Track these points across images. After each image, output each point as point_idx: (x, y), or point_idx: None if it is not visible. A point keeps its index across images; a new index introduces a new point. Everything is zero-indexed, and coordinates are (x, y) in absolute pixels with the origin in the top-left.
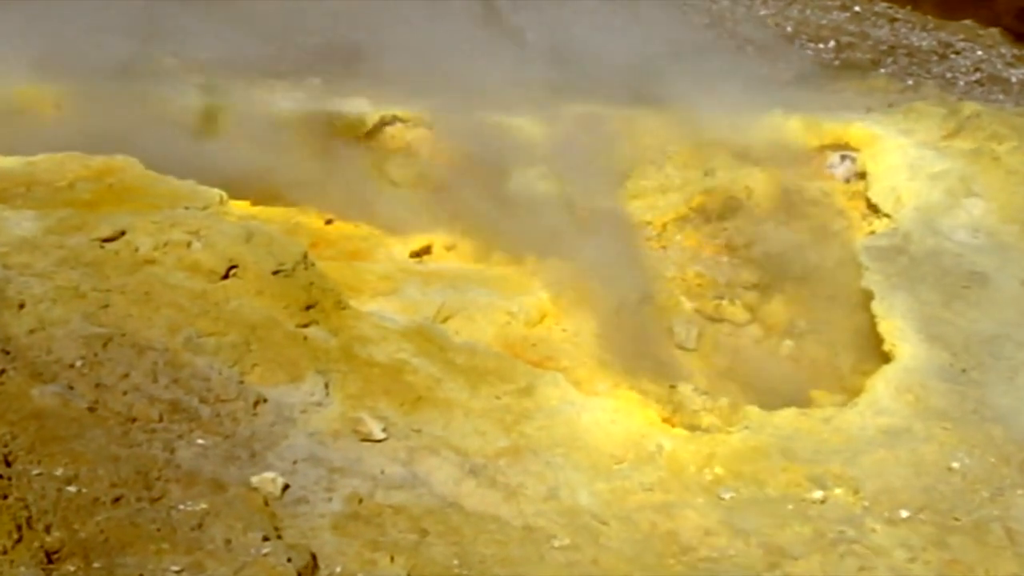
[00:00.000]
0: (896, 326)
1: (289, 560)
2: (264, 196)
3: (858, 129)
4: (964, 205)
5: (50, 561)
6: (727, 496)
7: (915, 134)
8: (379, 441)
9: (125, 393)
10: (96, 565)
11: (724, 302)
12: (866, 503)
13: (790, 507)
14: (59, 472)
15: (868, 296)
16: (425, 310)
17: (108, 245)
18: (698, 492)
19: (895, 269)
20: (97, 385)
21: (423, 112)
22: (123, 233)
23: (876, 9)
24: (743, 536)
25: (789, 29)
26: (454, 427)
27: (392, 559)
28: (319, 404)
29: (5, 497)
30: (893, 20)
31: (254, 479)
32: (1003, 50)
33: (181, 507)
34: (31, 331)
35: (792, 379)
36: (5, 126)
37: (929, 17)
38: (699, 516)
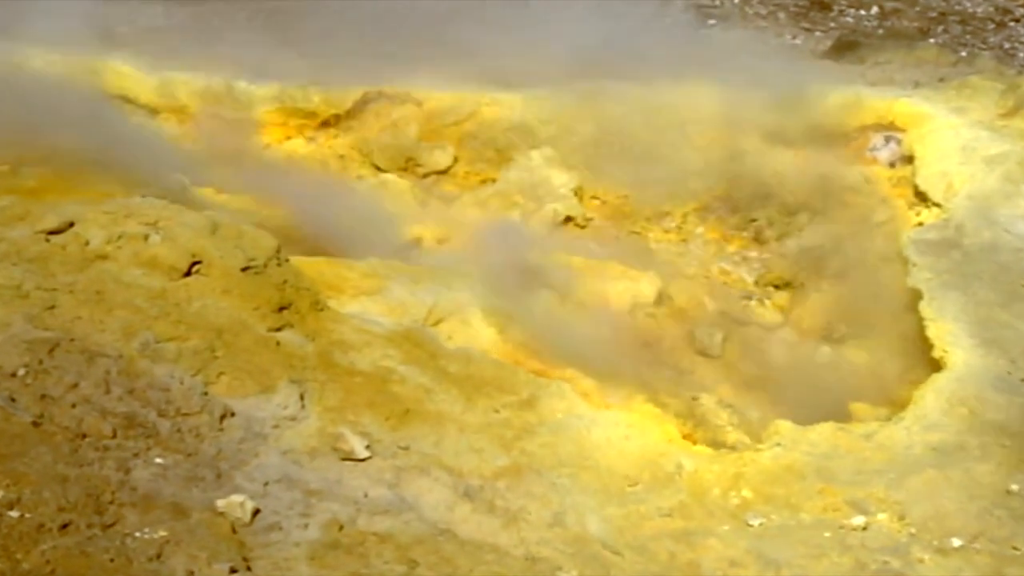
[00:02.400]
0: (948, 330)
1: None
2: None
3: (904, 106)
4: None
5: None
6: (756, 522)
7: (969, 112)
8: (362, 460)
9: (74, 406)
10: None
11: (752, 302)
12: (913, 530)
13: (827, 535)
14: None
15: (916, 296)
16: (414, 312)
17: (54, 238)
18: (723, 518)
19: (946, 265)
20: (42, 397)
21: None
22: (71, 224)
23: None
24: (774, 568)
25: None
26: (447, 444)
27: None
28: (294, 418)
29: None
30: None
31: (220, 503)
32: None
33: (137, 535)
34: None
35: (830, 390)
36: None
37: None
38: (724, 545)
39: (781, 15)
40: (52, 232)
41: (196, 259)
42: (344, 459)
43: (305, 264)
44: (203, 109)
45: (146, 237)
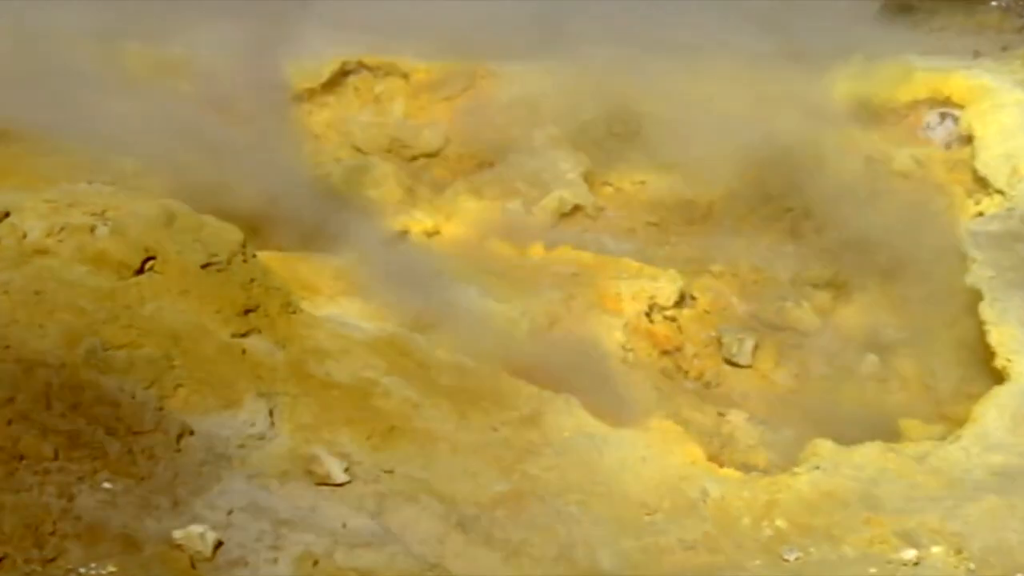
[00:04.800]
0: (1012, 335)
1: None
2: None
3: (962, 79)
4: None
5: None
6: (792, 557)
7: None
8: (340, 485)
9: (9, 423)
10: None
11: (788, 304)
12: (972, 565)
13: (873, 571)
14: None
15: (975, 296)
16: (400, 315)
17: None
18: (754, 551)
19: (1011, 261)
20: None
21: None
22: (7, 215)
23: None
24: None
25: None
26: (437, 467)
27: None
28: (262, 437)
29: None
30: None
31: (177, 534)
32: None
33: (83, 570)
34: None
35: (876, 404)
36: None
37: None
38: None
39: None
40: None
41: (150, 254)
42: (319, 484)
43: (275, 260)
44: (158, 82)
45: (92, 229)
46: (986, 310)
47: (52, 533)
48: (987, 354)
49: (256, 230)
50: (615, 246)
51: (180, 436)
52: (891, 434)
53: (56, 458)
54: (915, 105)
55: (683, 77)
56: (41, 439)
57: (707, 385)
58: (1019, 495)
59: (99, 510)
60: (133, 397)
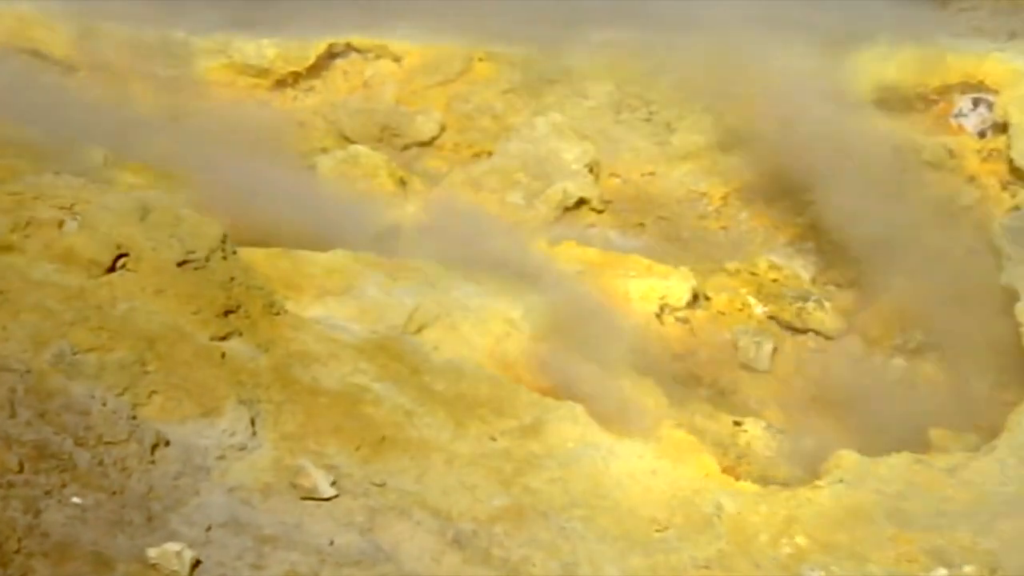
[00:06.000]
0: None
1: None
2: None
3: (997, 62)
4: None
5: None
6: None
7: None
8: (327, 499)
9: None
10: None
11: (809, 305)
12: None
13: None
14: None
15: (1011, 296)
16: (391, 316)
17: None
18: (773, 570)
19: None
20: None
21: None
22: None
23: None
24: None
25: None
26: (432, 479)
27: None
28: (243, 447)
29: None
30: None
31: (152, 552)
32: None
33: None
34: None
35: (904, 412)
36: None
37: None
38: None
39: None
40: None
41: (122, 251)
42: (305, 498)
43: (257, 257)
44: (132, 66)
45: (60, 224)
46: (1023, 311)
47: (17, 551)
48: (1023, 359)
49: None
50: (622, 242)
51: (155, 446)
52: (920, 444)
53: (21, 471)
54: (946, 90)
55: (693, 58)
56: (5, 450)
57: (722, 392)
58: None
59: (68, 526)
60: (104, 404)
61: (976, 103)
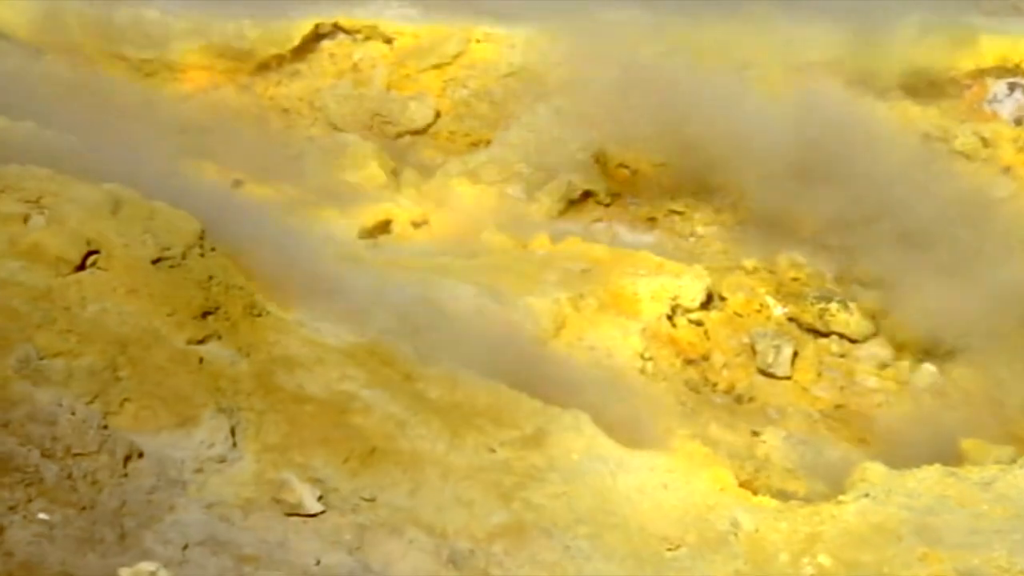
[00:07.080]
0: None
1: None
2: None
3: None
4: None
5: None
6: None
7: None
8: (313, 515)
9: None
10: None
11: (832, 306)
12: None
13: None
14: None
15: None
16: (382, 318)
17: None
18: None
19: None
20: None
21: None
22: None
23: None
24: None
25: None
26: (426, 494)
27: None
28: (222, 459)
29: None
30: None
31: (124, 572)
32: None
33: None
34: None
35: (934, 422)
36: None
37: None
38: None
39: None
40: None
41: (92, 248)
42: (289, 514)
43: (237, 255)
44: (102, 48)
45: (25, 219)
46: None
47: None
48: None
49: None
50: (632, 238)
51: (127, 458)
52: (951, 456)
53: None
54: (979, 74)
55: (709, 42)
56: None
57: (738, 399)
58: None
59: (34, 544)
60: (73, 414)
61: (1012, 88)
